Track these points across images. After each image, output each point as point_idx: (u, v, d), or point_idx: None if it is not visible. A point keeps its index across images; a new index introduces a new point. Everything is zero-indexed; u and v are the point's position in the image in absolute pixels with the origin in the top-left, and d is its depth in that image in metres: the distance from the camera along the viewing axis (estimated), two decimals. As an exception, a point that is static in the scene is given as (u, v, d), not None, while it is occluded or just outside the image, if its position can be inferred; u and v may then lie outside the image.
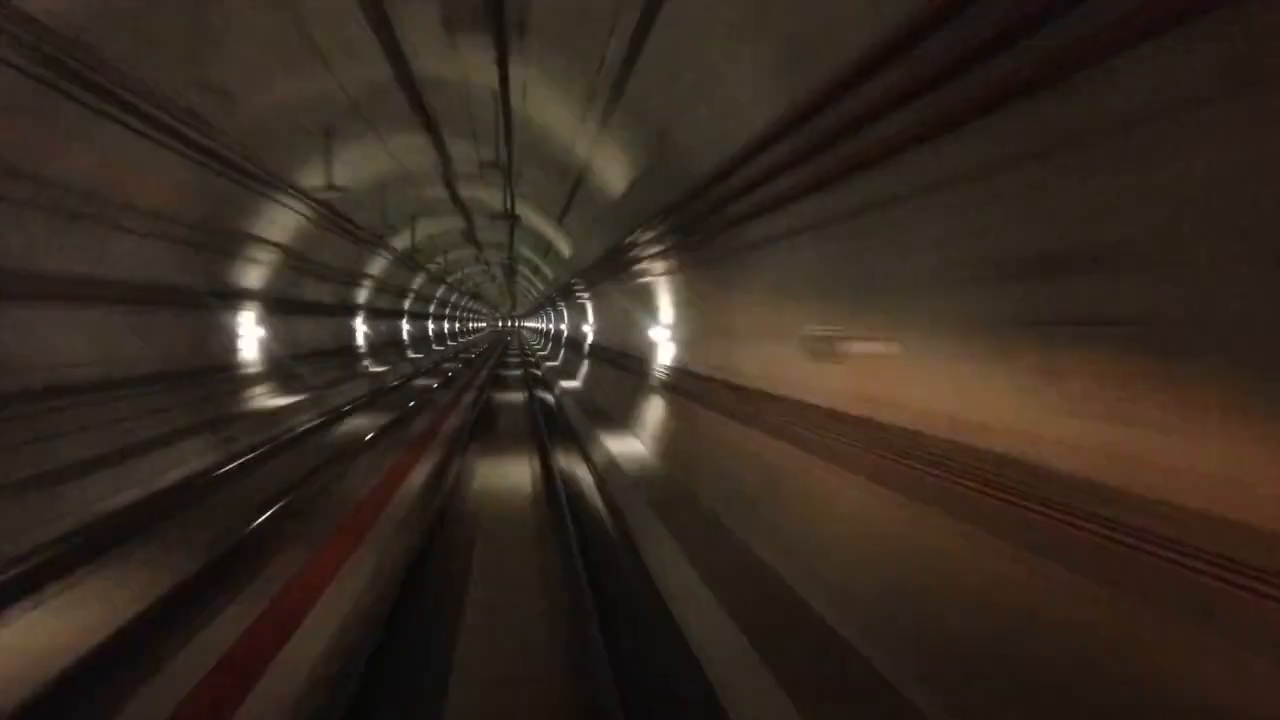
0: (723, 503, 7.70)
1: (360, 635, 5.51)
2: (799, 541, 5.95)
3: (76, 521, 7.89)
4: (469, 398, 20.99)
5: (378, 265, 26.55)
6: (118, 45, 7.51)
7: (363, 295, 27.52)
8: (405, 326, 38.45)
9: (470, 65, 10.01)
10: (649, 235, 11.03)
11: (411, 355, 36.98)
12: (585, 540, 7.98)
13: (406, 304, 37.32)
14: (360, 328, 28.49)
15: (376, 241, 21.76)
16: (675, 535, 6.94)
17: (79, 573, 6.90)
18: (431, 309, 47.54)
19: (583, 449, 12.88)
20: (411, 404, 19.01)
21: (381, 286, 29.00)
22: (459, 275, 43.76)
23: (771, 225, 7.09)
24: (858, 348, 5.75)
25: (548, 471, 10.77)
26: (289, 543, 7.64)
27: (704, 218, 8.51)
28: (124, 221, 10.20)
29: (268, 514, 8.44)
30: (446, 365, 35.89)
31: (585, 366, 23.38)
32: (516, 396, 21.65)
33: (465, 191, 18.86)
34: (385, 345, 32.12)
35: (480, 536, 8.23)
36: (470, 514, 9.14)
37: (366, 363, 27.73)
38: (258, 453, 12.20)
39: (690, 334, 11.46)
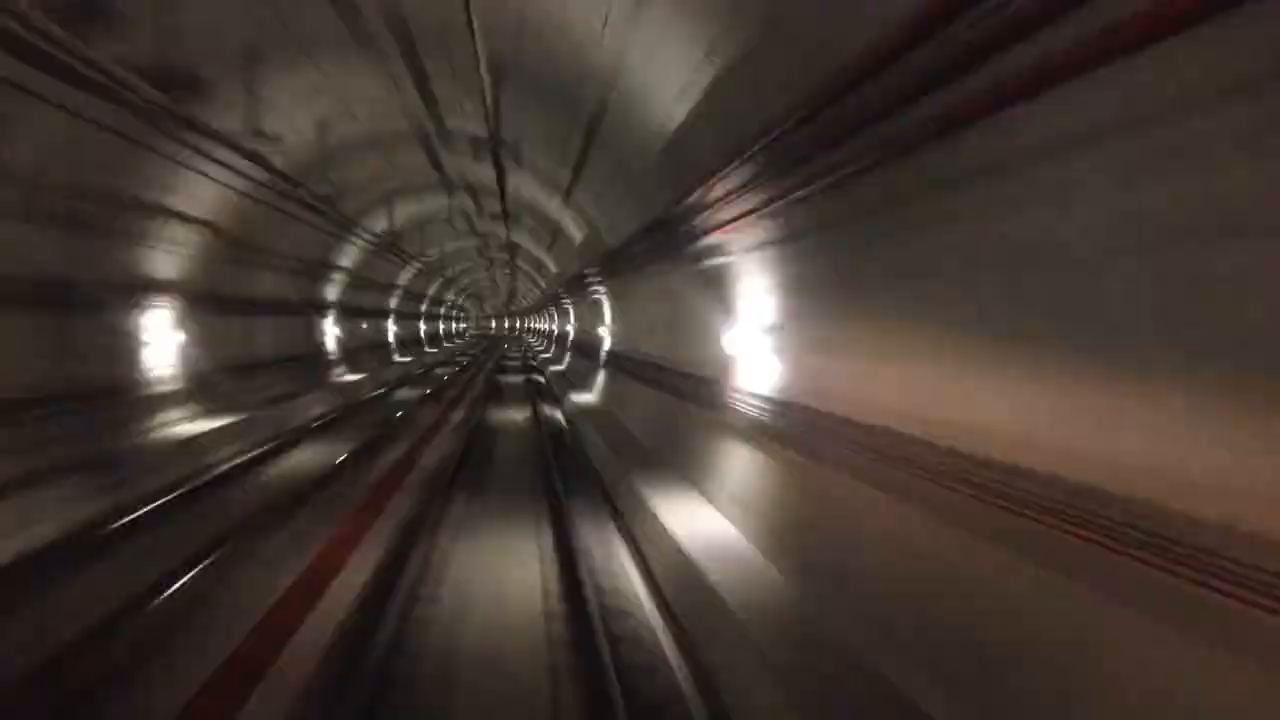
0: (624, 416, 16.03)
1: (451, 452, 13.84)
2: (646, 422, 14.33)
3: (306, 419, 16.40)
4: (482, 378, 29.44)
5: (405, 276, 35.01)
6: (313, 177, 15.79)
7: (393, 301, 35.96)
8: (422, 326, 46.93)
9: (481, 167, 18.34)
10: (592, 270, 19.37)
11: (428, 349, 45.47)
12: (552, 431, 16.38)
13: (423, 307, 45.77)
14: (391, 327, 37.00)
15: (410, 259, 30.20)
16: (595, 429, 15.29)
17: (321, 437, 15.34)
18: (442, 310, 55.91)
19: (557, 400, 21.31)
20: (443, 380, 27.42)
21: (406, 294, 37.44)
22: (468, 281, 52.03)
23: (644, 272, 15.31)
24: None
25: (535, 408, 19.17)
26: (401, 435, 16.02)
27: (618, 263, 16.76)
28: (293, 267, 18.67)
29: (389, 423, 16.89)
30: (459, 358, 44.28)
31: (568, 356, 31.78)
32: (516, 379, 30.07)
33: (481, 227, 27.30)
34: (409, 341, 40.60)
35: (499, 432, 16.66)
36: (493, 425, 17.59)
37: (397, 354, 36.24)
38: (370, 397, 20.72)
39: (618, 330, 19.83)
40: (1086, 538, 3.48)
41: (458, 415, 18.62)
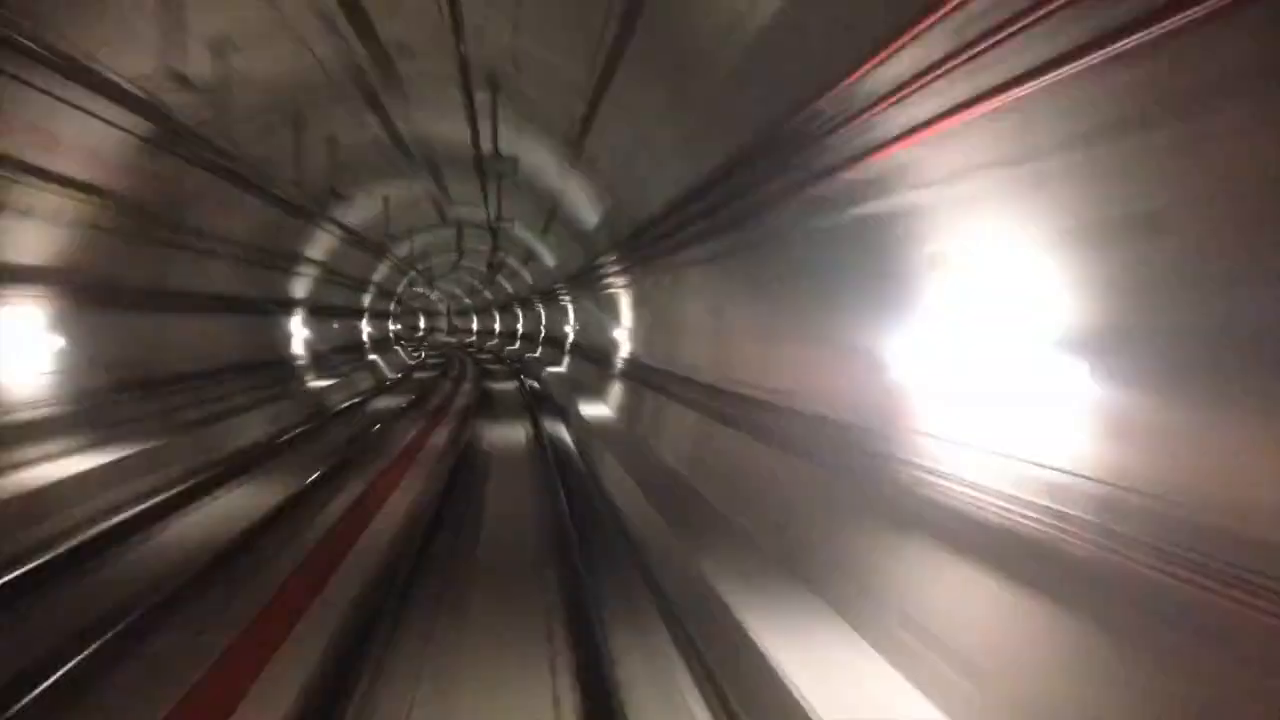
0: (583, 378, 25.48)
1: (470, 403, 23.28)
2: (586, 379, 23.85)
3: (377, 381, 25.92)
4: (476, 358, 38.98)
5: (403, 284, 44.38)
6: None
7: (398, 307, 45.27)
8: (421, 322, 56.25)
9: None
10: (561, 285, 28.86)
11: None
12: (531, 392, 25.90)
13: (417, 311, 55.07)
14: (392, 326, 46.35)
15: (410, 268, 39.65)
16: (568, 388, 24.73)
17: (384, 396, 24.78)
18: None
19: (536, 375, 30.89)
20: (449, 365, 36.87)
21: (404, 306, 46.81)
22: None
23: (581, 294, 24.74)
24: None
25: (520, 382, 28.67)
26: (436, 391, 25.42)
27: (578, 281, 26.20)
28: (339, 280, 28.10)
29: (424, 385, 26.34)
30: (458, 352, 53.77)
31: (540, 349, 41.27)
32: (501, 367, 39.63)
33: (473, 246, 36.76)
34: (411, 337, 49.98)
35: (498, 394, 26.18)
36: (493, 391, 27.12)
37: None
38: (400, 375, 30.21)
39: (580, 328, 29.33)
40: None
41: (467, 385, 28.09)
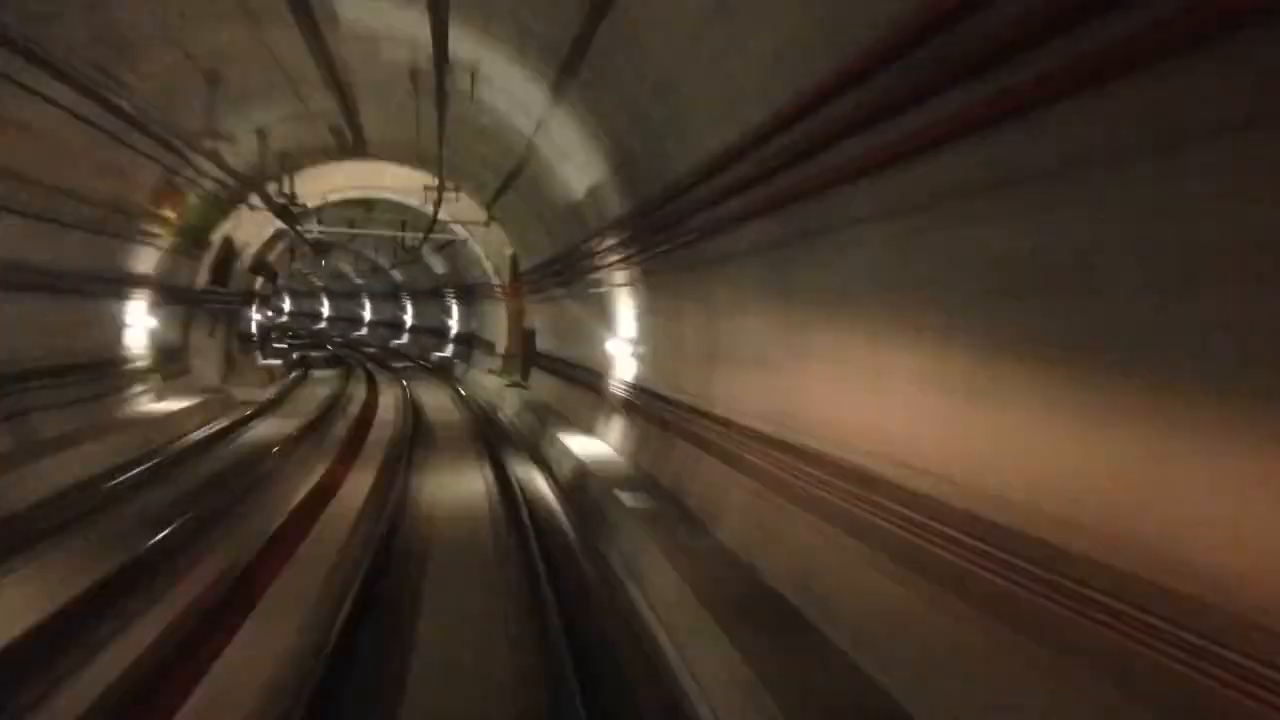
0: (472, 357, 34.22)
1: (403, 396, 31.71)
2: (473, 360, 32.74)
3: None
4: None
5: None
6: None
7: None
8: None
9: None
10: (449, 290, 37.41)
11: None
12: (429, 367, 34.58)
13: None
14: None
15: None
16: (450, 362, 33.42)
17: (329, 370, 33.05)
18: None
19: (427, 358, 39.48)
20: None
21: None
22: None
23: (479, 298, 33.49)
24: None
25: (417, 362, 37.19)
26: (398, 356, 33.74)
27: (462, 294, 34.85)
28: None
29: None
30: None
31: (419, 336, 49.55)
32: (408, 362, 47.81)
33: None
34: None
35: (402, 369, 34.77)
36: (396, 366, 35.64)
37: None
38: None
39: (460, 323, 38.03)
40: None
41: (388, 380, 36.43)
